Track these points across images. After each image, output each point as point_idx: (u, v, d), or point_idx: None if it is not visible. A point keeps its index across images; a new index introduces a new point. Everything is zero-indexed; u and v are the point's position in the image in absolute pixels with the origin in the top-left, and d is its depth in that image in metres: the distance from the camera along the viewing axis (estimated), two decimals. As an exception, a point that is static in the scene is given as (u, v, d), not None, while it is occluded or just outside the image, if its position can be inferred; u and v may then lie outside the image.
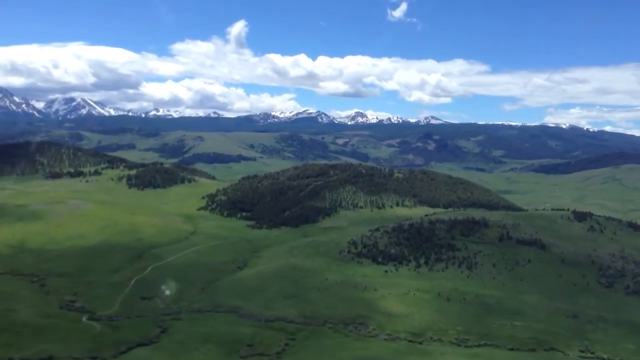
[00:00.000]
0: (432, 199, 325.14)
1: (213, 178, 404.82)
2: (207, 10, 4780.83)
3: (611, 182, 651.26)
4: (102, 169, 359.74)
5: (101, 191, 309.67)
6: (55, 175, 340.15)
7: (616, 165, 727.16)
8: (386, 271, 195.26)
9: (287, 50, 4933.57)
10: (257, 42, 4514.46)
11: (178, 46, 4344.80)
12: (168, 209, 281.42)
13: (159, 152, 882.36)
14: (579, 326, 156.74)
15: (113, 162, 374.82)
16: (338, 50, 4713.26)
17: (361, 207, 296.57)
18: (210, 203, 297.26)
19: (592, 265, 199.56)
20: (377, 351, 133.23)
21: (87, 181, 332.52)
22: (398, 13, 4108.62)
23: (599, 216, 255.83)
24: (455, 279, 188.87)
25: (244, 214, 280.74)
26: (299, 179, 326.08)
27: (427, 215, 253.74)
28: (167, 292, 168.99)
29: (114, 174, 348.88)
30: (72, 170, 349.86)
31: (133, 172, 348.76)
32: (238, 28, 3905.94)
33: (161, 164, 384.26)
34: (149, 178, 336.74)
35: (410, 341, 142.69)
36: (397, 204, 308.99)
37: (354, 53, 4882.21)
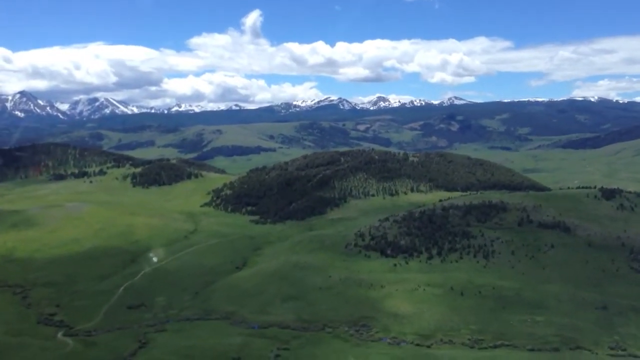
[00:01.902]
0: (449, 183, 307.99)
1: (223, 172, 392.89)
2: (220, 2, 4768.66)
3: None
4: (108, 168, 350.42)
5: (104, 191, 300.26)
6: (59, 177, 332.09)
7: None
8: (395, 265, 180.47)
9: (304, 38, 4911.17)
10: (273, 32, 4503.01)
11: (195, 40, 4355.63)
12: (170, 207, 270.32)
13: (178, 147, 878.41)
14: (609, 319, 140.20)
15: (119, 161, 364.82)
16: (356, 35, 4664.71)
17: (373, 195, 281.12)
18: (215, 198, 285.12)
19: (623, 248, 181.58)
20: (378, 359, 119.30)
21: (90, 182, 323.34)
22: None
23: (630, 192, 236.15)
24: (470, 270, 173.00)
25: (249, 208, 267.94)
26: (307, 169, 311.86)
27: (441, 200, 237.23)
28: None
29: (119, 172, 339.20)
30: (76, 171, 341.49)
31: (139, 170, 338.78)
32: (253, 18, 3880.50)
33: (167, 159, 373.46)
34: (153, 175, 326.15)
35: (417, 345, 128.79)
36: (412, 190, 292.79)
37: (372, 37, 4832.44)
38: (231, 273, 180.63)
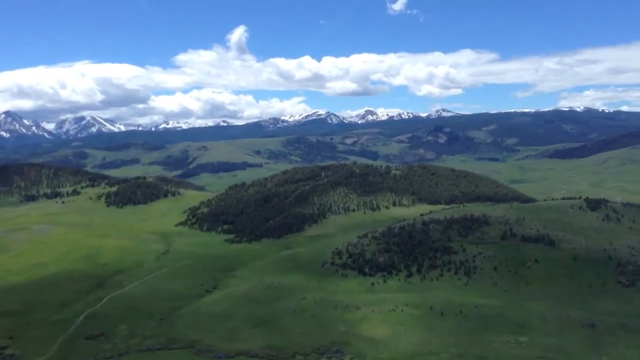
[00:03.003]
0: (432, 196, 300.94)
1: (202, 189, 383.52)
2: (205, 18, 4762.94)
3: (630, 164, 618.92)
4: (82, 187, 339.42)
5: (76, 212, 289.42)
6: (30, 198, 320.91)
7: (634, 145, 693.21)
8: (373, 284, 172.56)
9: (290, 53, 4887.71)
10: (259, 47, 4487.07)
11: (181, 57, 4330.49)
12: (144, 227, 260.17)
13: (163, 165, 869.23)
14: (597, 338, 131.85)
15: (94, 180, 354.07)
16: (342, 49, 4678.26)
17: (353, 211, 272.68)
18: (190, 217, 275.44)
19: (609, 261, 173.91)
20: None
21: (62, 202, 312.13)
22: (398, 6, 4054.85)
23: (615, 202, 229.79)
24: (451, 288, 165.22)
25: (225, 226, 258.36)
26: (287, 184, 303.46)
27: (422, 214, 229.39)
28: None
29: (93, 192, 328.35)
30: (48, 191, 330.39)
31: (114, 189, 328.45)
32: (238, 34, 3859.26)
33: (144, 178, 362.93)
34: (128, 194, 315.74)
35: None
36: (394, 204, 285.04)
37: (358, 51, 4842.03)
38: (201, 297, 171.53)
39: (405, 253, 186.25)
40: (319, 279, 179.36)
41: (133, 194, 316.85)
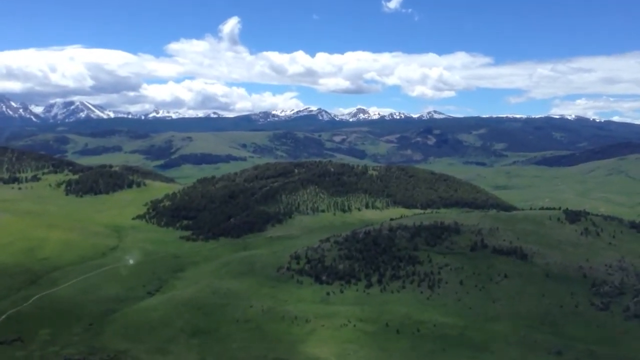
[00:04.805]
0: (408, 199, 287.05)
1: (172, 181, 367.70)
2: (198, 7, 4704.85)
3: (617, 174, 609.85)
4: (44, 174, 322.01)
5: (32, 200, 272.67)
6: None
7: (622, 155, 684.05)
8: (328, 293, 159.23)
9: (284, 47, 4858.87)
10: (252, 40, 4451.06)
11: (174, 46, 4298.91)
12: (99, 219, 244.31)
13: (146, 154, 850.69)
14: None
15: (58, 167, 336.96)
16: (336, 46, 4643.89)
17: (322, 211, 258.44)
18: (151, 210, 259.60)
19: (584, 280, 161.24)
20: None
21: (19, 188, 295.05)
22: (393, 4, 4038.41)
23: (596, 215, 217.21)
24: (412, 302, 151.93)
25: (184, 222, 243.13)
26: (256, 180, 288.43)
27: (391, 219, 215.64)
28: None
29: (54, 179, 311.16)
30: (7, 176, 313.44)
31: (76, 177, 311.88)
32: (231, 25, 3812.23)
33: (110, 166, 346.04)
34: (90, 183, 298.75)
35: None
36: (367, 206, 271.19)
37: (353, 49, 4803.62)
38: (140, 300, 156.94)
39: (368, 261, 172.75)
40: (271, 285, 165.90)
41: (95, 183, 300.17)
